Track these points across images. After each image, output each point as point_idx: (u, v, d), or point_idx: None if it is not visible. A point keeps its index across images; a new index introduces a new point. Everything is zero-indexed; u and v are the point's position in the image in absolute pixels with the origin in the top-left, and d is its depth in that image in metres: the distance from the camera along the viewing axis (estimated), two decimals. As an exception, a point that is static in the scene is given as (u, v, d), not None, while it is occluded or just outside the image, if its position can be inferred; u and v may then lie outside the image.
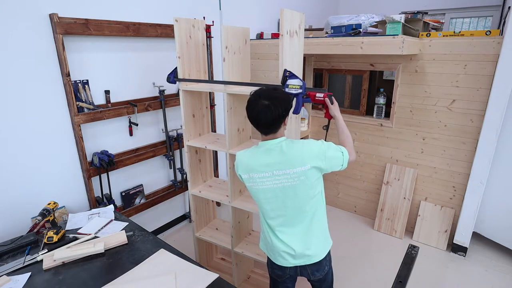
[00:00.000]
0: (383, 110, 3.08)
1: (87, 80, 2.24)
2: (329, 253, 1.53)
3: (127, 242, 1.74)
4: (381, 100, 3.05)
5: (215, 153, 3.30)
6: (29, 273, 1.51)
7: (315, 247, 1.46)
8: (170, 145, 2.82)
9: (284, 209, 1.40)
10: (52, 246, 1.70)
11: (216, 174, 3.38)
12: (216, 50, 3.12)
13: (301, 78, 1.65)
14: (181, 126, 2.59)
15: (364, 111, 3.20)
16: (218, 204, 3.51)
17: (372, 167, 3.18)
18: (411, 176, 2.97)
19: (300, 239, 1.44)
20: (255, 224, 2.89)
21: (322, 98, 1.62)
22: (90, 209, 2.20)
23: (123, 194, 2.61)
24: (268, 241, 1.50)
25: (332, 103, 1.59)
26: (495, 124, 2.41)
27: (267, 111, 1.29)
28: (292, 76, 1.60)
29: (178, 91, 2.05)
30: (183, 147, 2.57)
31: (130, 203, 2.66)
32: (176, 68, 1.98)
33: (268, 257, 1.58)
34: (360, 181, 3.31)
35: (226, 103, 1.88)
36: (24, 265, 1.56)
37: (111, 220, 1.97)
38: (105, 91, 2.36)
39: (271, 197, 1.40)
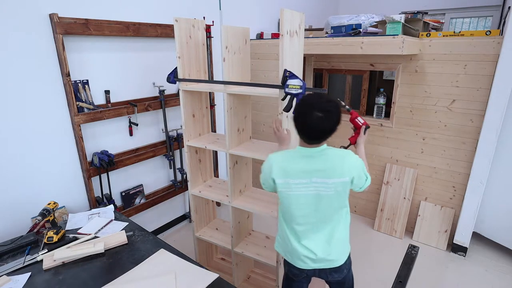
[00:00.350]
0: (383, 110, 3.08)
1: (87, 80, 2.24)
2: (349, 257, 1.53)
3: (127, 242, 1.74)
4: (381, 100, 3.05)
5: (215, 153, 3.30)
6: (29, 273, 1.51)
7: (336, 253, 1.46)
8: (170, 145, 2.82)
9: (314, 216, 1.39)
10: (52, 246, 1.70)
11: (216, 174, 3.38)
12: (216, 50, 3.12)
13: (301, 78, 1.65)
14: (181, 126, 2.59)
15: (364, 111, 3.20)
16: (218, 204, 3.51)
17: (372, 167, 3.18)
18: (411, 176, 2.97)
19: (323, 245, 1.43)
20: (255, 224, 2.89)
21: (361, 124, 1.67)
22: (90, 209, 2.20)
23: (123, 194, 2.61)
24: (287, 244, 1.48)
25: (364, 133, 1.65)
26: (495, 124, 2.41)
27: (319, 124, 1.27)
28: (292, 76, 1.60)
29: (178, 91, 2.05)
30: (183, 147, 2.57)
31: (130, 203, 2.66)
32: (176, 68, 1.98)
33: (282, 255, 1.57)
34: (360, 181, 3.31)
35: (226, 103, 1.88)
36: (24, 265, 1.56)
37: (111, 220, 1.97)
38: (105, 91, 2.36)
39: (303, 203, 1.38)
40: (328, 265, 1.47)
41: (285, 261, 1.58)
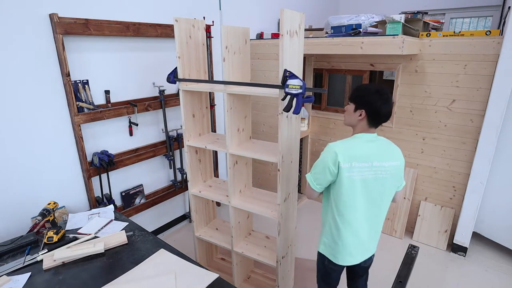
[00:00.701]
0: (383, 110, 3.07)
1: (87, 80, 2.24)
2: None
3: (127, 242, 1.74)
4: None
5: (215, 153, 3.30)
6: (29, 273, 1.51)
7: (376, 242, 1.62)
8: (170, 145, 2.82)
9: (372, 202, 1.48)
10: (52, 246, 1.70)
11: (216, 174, 3.38)
12: (216, 50, 3.12)
13: (301, 78, 1.65)
14: (181, 126, 2.59)
15: (364, 111, 3.19)
16: (218, 204, 3.50)
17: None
18: (411, 176, 2.97)
19: (372, 235, 1.56)
20: (255, 224, 2.89)
21: None
22: (90, 209, 2.20)
23: (123, 194, 2.61)
24: (338, 242, 1.53)
25: None
26: (495, 124, 2.41)
27: (390, 106, 1.46)
28: (292, 76, 1.60)
29: (178, 91, 2.05)
30: (183, 147, 2.57)
31: (130, 203, 2.66)
32: (176, 68, 1.98)
33: (329, 260, 1.61)
34: (360, 181, 3.31)
35: (226, 103, 1.88)
36: (24, 265, 1.56)
37: (111, 220, 1.97)
38: (105, 91, 2.36)
39: (362, 188, 1.44)
40: (369, 255, 1.62)
41: (325, 259, 1.62)
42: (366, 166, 1.42)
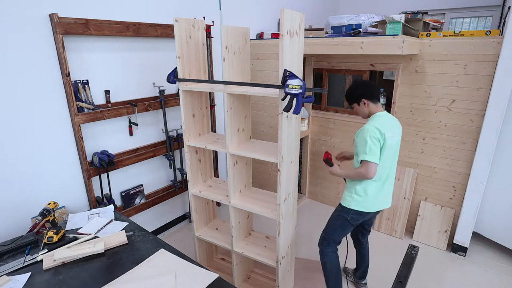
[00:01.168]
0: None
1: (87, 80, 2.24)
2: None
3: (127, 242, 1.74)
4: (381, 100, 3.04)
5: (215, 153, 3.30)
6: (29, 273, 1.51)
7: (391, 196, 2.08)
8: (170, 145, 2.82)
9: (393, 161, 1.94)
10: (52, 246, 1.70)
11: (216, 174, 3.38)
12: (216, 50, 3.12)
13: (301, 78, 1.65)
14: (181, 126, 2.59)
15: (364, 111, 3.19)
16: (218, 204, 3.51)
17: (372, 167, 3.18)
18: (411, 176, 2.97)
19: (391, 189, 2.03)
20: (255, 224, 2.89)
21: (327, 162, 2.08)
22: (90, 209, 2.20)
23: (123, 194, 2.61)
24: (371, 192, 1.91)
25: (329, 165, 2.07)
26: (495, 124, 2.41)
27: (368, 80, 2.24)
28: (292, 76, 1.60)
29: (178, 91, 2.05)
30: (183, 147, 2.57)
31: (130, 203, 2.66)
32: (176, 68, 1.98)
33: (357, 213, 1.96)
34: (360, 181, 3.31)
35: (226, 103, 1.88)
36: (24, 265, 1.56)
37: (111, 220, 1.97)
38: (105, 91, 2.36)
39: (392, 151, 1.89)
40: (388, 205, 2.03)
41: (353, 215, 1.96)
42: (393, 135, 1.85)
